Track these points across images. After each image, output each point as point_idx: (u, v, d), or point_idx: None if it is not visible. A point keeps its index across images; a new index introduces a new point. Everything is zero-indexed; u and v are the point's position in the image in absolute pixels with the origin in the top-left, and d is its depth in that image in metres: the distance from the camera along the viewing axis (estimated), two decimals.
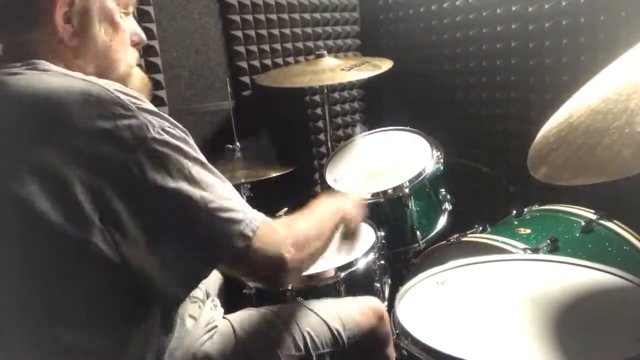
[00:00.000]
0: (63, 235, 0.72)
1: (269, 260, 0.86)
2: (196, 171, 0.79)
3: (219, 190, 0.81)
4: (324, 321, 1.11)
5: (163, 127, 0.77)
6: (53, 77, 0.78)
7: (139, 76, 1.00)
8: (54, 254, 0.75)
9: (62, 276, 0.76)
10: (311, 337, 1.07)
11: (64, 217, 0.72)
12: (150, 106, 0.78)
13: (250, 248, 0.82)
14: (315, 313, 1.13)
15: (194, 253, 0.79)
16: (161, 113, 0.79)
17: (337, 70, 2.07)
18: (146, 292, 0.80)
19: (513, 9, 2.16)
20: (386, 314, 1.19)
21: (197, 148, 0.82)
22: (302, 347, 1.06)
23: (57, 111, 0.73)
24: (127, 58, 0.95)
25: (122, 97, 0.75)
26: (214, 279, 1.45)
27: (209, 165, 0.83)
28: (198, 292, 1.08)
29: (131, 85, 0.96)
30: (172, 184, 0.76)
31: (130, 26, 0.95)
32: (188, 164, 0.78)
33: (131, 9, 0.95)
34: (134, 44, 0.97)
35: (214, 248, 0.81)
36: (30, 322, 0.78)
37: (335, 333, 1.10)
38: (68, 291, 0.76)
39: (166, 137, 0.76)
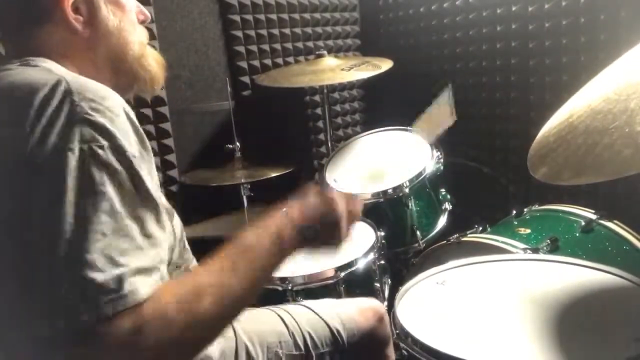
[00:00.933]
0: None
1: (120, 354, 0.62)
2: (93, 209, 0.63)
3: (104, 242, 0.62)
4: (324, 321, 1.11)
5: (93, 146, 0.66)
6: (30, 71, 0.76)
7: (153, 55, 0.98)
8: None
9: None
10: (311, 336, 1.08)
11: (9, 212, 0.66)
12: (103, 121, 0.67)
13: (99, 331, 0.60)
14: (315, 313, 1.13)
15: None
16: (114, 135, 0.68)
17: (337, 70, 2.07)
18: None
19: (513, 9, 2.16)
20: (386, 315, 1.19)
21: (128, 189, 0.67)
22: (302, 346, 1.06)
23: (11, 103, 0.70)
24: (139, 36, 0.94)
25: (77, 98, 0.68)
26: None
27: (124, 213, 0.66)
28: None
29: (147, 64, 0.95)
30: (52, 206, 0.62)
31: (133, 4, 0.94)
32: (91, 196, 0.64)
33: None
34: (141, 22, 0.96)
35: (59, 312, 0.61)
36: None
37: (335, 332, 1.10)
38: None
39: (86, 157, 0.65)
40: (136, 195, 0.68)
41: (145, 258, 0.66)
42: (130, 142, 0.70)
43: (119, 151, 0.67)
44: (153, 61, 0.97)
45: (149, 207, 0.70)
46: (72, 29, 0.83)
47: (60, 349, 0.62)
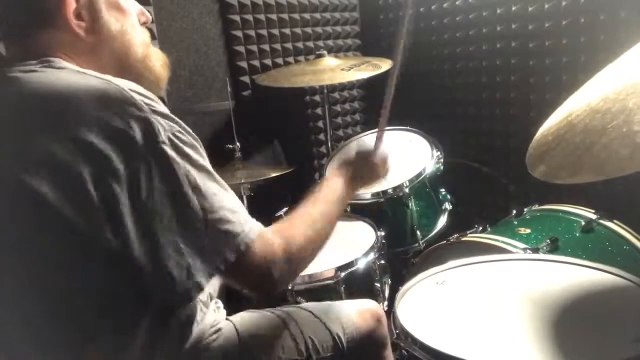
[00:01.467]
0: (74, 230, 0.73)
1: (259, 275, 0.85)
2: (201, 180, 0.79)
3: (221, 201, 0.81)
4: (326, 326, 1.11)
5: (174, 131, 0.77)
6: (69, 75, 0.79)
7: (158, 56, 1.00)
8: (65, 248, 0.75)
9: (72, 271, 0.76)
10: (313, 342, 1.07)
11: (76, 212, 0.72)
12: (163, 109, 0.79)
13: (242, 261, 0.82)
14: (316, 317, 1.13)
15: (191, 260, 0.78)
16: (173, 117, 0.79)
17: (337, 70, 2.07)
18: (150, 291, 0.80)
19: (513, 9, 2.16)
20: (384, 317, 1.19)
21: (205, 155, 0.82)
22: (304, 352, 1.06)
23: (72, 108, 0.74)
24: (142, 38, 0.96)
25: (137, 97, 0.75)
26: (216, 280, 1.45)
27: (215, 174, 0.83)
28: (201, 294, 1.08)
29: (152, 65, 0.97)
30: (176, 190, 0.76)
31: (134, 7, 0.95)
32: (194, 172, 0.78)
33: None
34: (142, 24, 0.97)
35: (208, 258, 0.80)
36: (37, 317, 0.78)
37: (336, 338, 1.10)
38: (75, 287, 0.77)
39: (176, 142, 0.77)
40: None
41: (239, 201, 0.86)
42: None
43: (187, 130, 0.81)
44: (157, 61, 0.99)
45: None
46: (75, 35, 0.85)
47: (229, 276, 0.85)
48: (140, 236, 0.75)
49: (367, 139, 2.10)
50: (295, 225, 0.94)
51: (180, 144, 0.78)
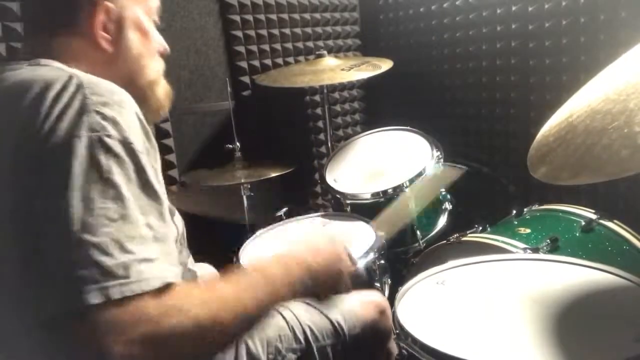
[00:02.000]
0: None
1: (98, 343, 0.61)
2: (101, 195, 0.65)
3: (114, 229, 0.64)
4: (324, 314, 1.11)
5: (102, 136, 0.68)
6: (41, 69, 0.78)
7: (164, 86, 1.03)
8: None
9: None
10: (311, 329, 1.08)
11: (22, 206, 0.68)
12: (113, 115, 0.70)
13: (100, 315, 0.61)
14: (314, 307, 1.13)
15: (46, 277, 0.64)
16: (121, 127, 0.70)
17: (337, 70, 2.07)
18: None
19: (513, 9, 2.16)
20: (388, 309, 1.19)
21: (134, 179, 0.69)
22: (302, 340, 1.06)
23: (15, 99, 0.72)
24: (156, 66, 0.99)
25: (87, 91, 0.70)
26: (213, 273, 1.45)
27: (131, 202, 0.67)
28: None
29: (156, 92, 1.00)
30: (61, 191, 0.64)
31: (156, 36, 1.00)
32: (97, 183, 0.65)
33: (156, 19, 0.99)
34: (159, 54, 1.01)
35: (63, 285, 0.62)
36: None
37: (336, 325, 1.10)
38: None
39: (95, 145, 0.67)
40: (141, 188, 0.70)
41: (150, 248, 0.67)
42: (137, 136, 0.72)
43: (126, 143, 0.70)
44: (162, 90, 1.02)
45: (152, 202, 0.71)
46: (97, 45, 0.87)
47: (66, 332, 0.63)
48: (20, 243, 0.67)
49: (367, 139, 2.10)
50: (194, 301, 0.68)
51: (101, 150, 0.67)
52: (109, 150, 0.68)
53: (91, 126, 0.68)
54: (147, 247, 0.67)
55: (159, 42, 1.01)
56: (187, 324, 0.65)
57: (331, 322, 1.10)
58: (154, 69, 0.99)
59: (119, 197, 0.66)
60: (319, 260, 0.91)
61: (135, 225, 0.66)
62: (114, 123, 0.70)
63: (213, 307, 0.69)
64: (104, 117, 0.69)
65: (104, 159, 0.67)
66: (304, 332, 1.07)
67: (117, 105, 0.72)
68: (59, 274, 0.62)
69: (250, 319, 0.76)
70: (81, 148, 0.66)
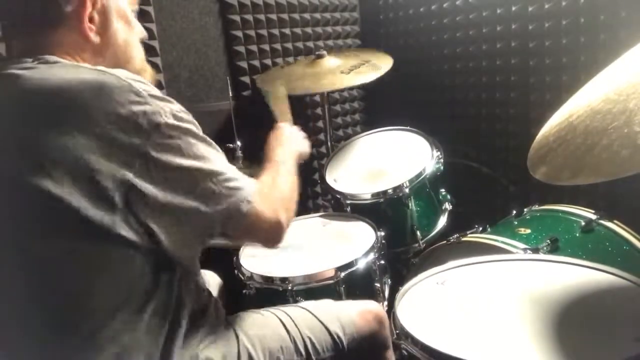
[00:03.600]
0: (88, 222, 0.75)
1: (269, 221, 0.97)
2: (204, 149, 0.87)
3: (222, 164, 0.90)
4: (325, 326, 1.11)
5: (173, 112, 0.82)
6: (65, 69, 0.81)
7: (149, 72, 1.06)
8: (78, 241, 0.76)
9: (85, 262, 0.78)
10: (312, 342, 1.07)
11: (89, 204, 0.74)
12: (158, 92, 0.83)
13: (253, 211, 0.93)
14: (315, 317, 1.13)
15: (210, 218, 0.87)
16: (168, 98, 0.84)
17: (337, 72, 2.06)
18: (166, 267, 0.86)
19: (513, 9, 2.16)
20: (386, 318, 1.19)
21: (199, 127, 0.89)
22: (303, 352, 1.06)
23: (74, 101, 0.76)
24: (140, 54, 1.02)
25: (134, 84, 0.79)
26: (215, 281, 1.45)
27: (211, 141, 0.91)
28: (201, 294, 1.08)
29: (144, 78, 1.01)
30: (185, 162, 0.83)
31: (139, 25, 1.02)
32: (197, 143, 0.85)
33: (137, 6, 1.02)
34: (140, 40, 1.03)
35: (226, 212, 0.89)
36: (50, 312, 0.79)
37: (336, 337, 1.10)
38: (89, 279, 0.78)
39: (176, 122, 0.82)
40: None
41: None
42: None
43: (181, 108, 0.86)
44: (149, 77, 1.04)
45: None
46: (84, 36, 0.89)
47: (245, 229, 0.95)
48: (159, 212, 0.80)
49: (367, 139, 2.10)
50: (278, 181, 1.10)
51: (180, 122, 0.83)
52: (183, 119, 0.84)
53: (163, 110, 0.80)
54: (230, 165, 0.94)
55: (140, 30, 1.03)
56: (283, 187, 1.10)
57: (330, 334, 1.10)
58: (139, 57, 1.02)
59: (210, 144, 0.90)
60: (285, 136, 1.38)
61: (222, 154, 0.93)
62: (164, 98, 0.83)
63: (282, 175, 1.14)
64: (161, 98, 0.82)
65: (188, 126, 0.85)
66: (305, 345, 1.07)
67: (149, 84, 0.83)
68: (222, 206, 0.88)
69: (295, 179, 1.19)
70: (174, 132, 0.81)
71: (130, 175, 0.76)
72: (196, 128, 0.87)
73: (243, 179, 0.93)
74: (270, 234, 1.01)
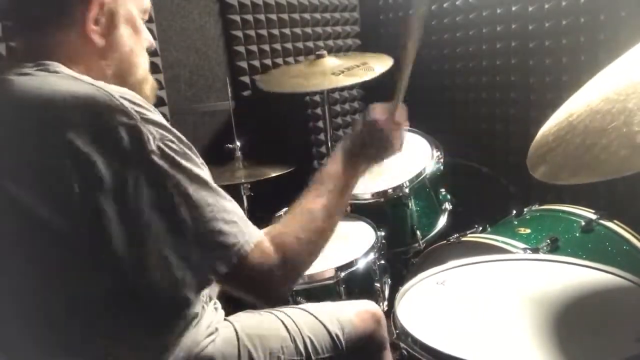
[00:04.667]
0: (59, 236, 0.73)
1: (257, 284, 0.84)
2: (194, 190, 0.76)
3: (216, 212, 0.78)
4: (324, 326, 1.11)
5: (165, 140, 0.75)
6: (60, 80, 0.78)
7: (151, 83, 1.02)
8: (55, 255, 0.75)
9: (61, 276, 0.77)
10: (312, 342, 1.08)
11: (61, 218, 0.73)
12: (155, 117, 0.77)
13: (237, 273, 0.80)
14: (315, 317, 1.13)
15: (180, 273, 0.77)
16: (166, 125, 0.77)
17: (337, 72, 2.06)
18: (138, 299, 0.80)
19: (513, 9, 2.16)
20: (384, 318, 1.19)
21: (200, 163, 0.80)
22: (303, 352, 1.06)
23: (59, 113, 0.73)
24: (145, 63, 0.98)
25: (127, 104, 0.74)
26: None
27: (210, 182, 0.80)
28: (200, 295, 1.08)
29: (145, 90, 0.98)
30: (165, 201, 0.74)
31: (146, 33, 0.98)
32: (186, 181, 0.76)
33: (147, 16, 0.98)
34: (146, 48, 0.99)
35: (199, 271, 0.78)
36: (32, 320, 0.79)
37: (335, 338, 1.10)
38: (61, 292, 0.77)
39: (166, 151, 0.75)
40: (206, 170, 0.81)
41: (238, 209, 0.83)
42: (172, 128, 0.79)
43: (179, 138, 0.78)
44: (149, 87, 1.00)
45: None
46: (88, 39, 0.86)
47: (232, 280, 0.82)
48: (127, 246, 0.74)
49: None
50: (292, 227, 0.89)
51: (171, 153, 0.75)
52: (176, 151, 0.76)
53: (153, 137, 0.74)
54: (238, 210, 0.82)
55: (147, 38, 0.99)
56: (298, 247, 0.86)
57: (330, 334, 1.10)
58: (143, 66, 0.97)
59: (206, 185, 0.78)
60: (362, 141, 1.06)
61: (225, 198, 0.81)
62: (161, 125, 0.76)
63: (308, 224, 0.89)
64: (153, 123, 0.75)
65: (179, 160, 0.76)
66: (305, 345, 1.07)
67: (147, 107, 0.77)
68: (195, 264, 0.77)
69: (337, 214, 0.95)
70: (160, 161, 0.73)
71: (103, 199, 0.71)
72: (192, 164, 0.77)
73: (237, 233, 0.80)
74: (256, 294, 0.88)
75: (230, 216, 0.80)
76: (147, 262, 0.76)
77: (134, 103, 0.75)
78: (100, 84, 0.77)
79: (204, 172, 0.79)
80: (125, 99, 0.75)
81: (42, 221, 0.73)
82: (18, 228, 0.75)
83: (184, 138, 0.79)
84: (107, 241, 0.73)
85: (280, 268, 0.83)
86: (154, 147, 0.73)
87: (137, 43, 0.94)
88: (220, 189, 0.81)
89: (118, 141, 0.72)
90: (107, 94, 0.74)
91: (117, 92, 0.76)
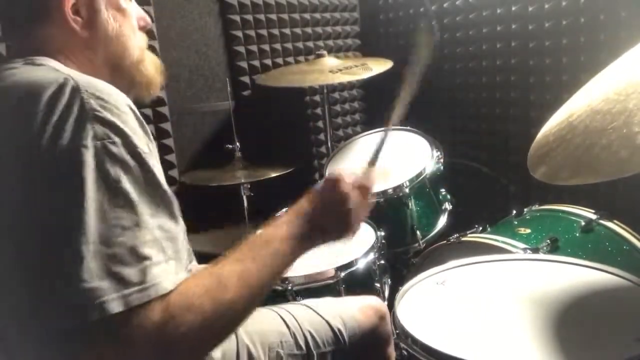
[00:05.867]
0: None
1: (136, 346, 0.64)
2: (111, 204, 0.65)
3: (128, 238, 0.65)
4: (325, 320, 1.11)
5: (106, 142, 0.67)
6: (39, 71, 0.76)
7: (152, 60, 0.99)
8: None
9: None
10: (312, 336, 1.08)
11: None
12: (112, 118, 0.69)
13: (121, 324, 0.62)
14: (316, 312, 1.13)
15: (64, 290, 0.63)
16: (124, 131, 0.69)
17: (336, 70, 2.07)
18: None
19: (513, 9, 2.16)
20: (387, 314, 1.19)
21: (141, 183, 0.69)
22: (303, 346, 1.06)
23: (14, 104, 0.71)
24: (138, 42, 0.94)
25: (86, 96, 0.68)
26: None
27: (142, 207, 0.68)
28: None
29: (145, 69, 0.96)
30: (74, 202, 0.64)
31: (135, 10, 0.94)
32: (107, 192, 0.65)
33: None
34: (141, 28, 0.96)
35: (84, 297, 0.61)
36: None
37: (337, 331, 1.10)
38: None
39: (100, 153, 0.66)
40: (149, 191, 0.70)
41: (164, 251, 0.68)
42: (139, 137, 0.71)
43: (130, 147, 0.69)
44: (151, 66, 0.97)
45: (162, 202, 0.71)
46: (71, 30, 0.84)
47: (88, 346, 0.63)
48: (22, 243, 0.66)
49: (367, 139, 2.10)
50: (198, 293, 0.69)
51: (106, 157, 0.66)
52: (114, 157, 0.67)
53: (95, 134, 0.66)
54: (160, 249, 0.68)
55: (140, 17, 0.95)
56: (194, 318, 0.67)
57: (332, 328, 1.10)
58: (137, 46, 0.93)
59: (129, 205, 0.67)
60: (317, 206, 0.87)
61: (148, 230, 0.67)
62: (116, 128, 0.68)
63: (216, 292, 0.70)
64: (105, 123, 0.68)
65: (111, 168, 0.66)
66: (305, 339, 1.06)
67: (115, 108, 0.70)
68: (77, 287, 0.61)
69: (258, 289, 0.76)
70: (89, 158, 0.65)
71: (23, 188, 0.66)
72: (127, 179, 0.67)
73: (144, 274, 0.64)
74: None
75: (147, 252, 0.66)
76: (32, 270, 0.65)
77: (98, 98, 0.69)
78: (75, 74, 0.73)
79: (140, 192, 0.68)
80: (89, 92, 0.69)
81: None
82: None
83: (141, 150, 0.70)
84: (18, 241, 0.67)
85: (155, 341, 0.65)
86: (88, 143, 0.66)
87: (124, 24, 0.90)
88: (157, 221, 0.69)
89: (56, 131, 0.66)
90: (69, 78, 0.70)
91: (86, 83, 0.70)
